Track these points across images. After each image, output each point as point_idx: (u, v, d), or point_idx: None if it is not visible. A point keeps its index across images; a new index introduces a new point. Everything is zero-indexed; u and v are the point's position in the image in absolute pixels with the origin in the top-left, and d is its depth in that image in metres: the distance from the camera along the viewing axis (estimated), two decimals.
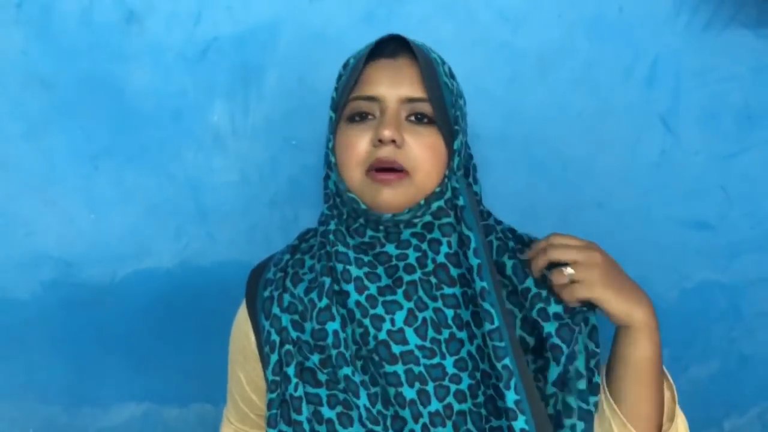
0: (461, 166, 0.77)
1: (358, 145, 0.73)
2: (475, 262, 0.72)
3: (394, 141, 0.71)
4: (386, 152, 0.71)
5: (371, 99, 0.74)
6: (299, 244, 0.85)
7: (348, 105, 0.75)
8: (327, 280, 0.76)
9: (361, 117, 0.74)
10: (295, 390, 0.76)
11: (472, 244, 0.72)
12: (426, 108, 0.73)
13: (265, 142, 1.06)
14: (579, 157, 1.07)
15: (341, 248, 0.76)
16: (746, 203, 1.09)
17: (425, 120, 0.74)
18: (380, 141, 0.71)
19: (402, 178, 0.72)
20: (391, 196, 0.72)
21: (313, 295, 0.77)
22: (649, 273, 1.11)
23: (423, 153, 0.72)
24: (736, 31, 1.03)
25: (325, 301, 0.75)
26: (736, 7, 1.02)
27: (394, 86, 0.73)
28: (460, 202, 0.74)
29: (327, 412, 0.76)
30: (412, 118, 0.74)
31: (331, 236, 0.77)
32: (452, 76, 0.78)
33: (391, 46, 0.76)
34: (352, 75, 0.75)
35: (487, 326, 0.70)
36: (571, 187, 1.08)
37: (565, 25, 1.03)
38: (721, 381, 1.15)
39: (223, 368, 0.90)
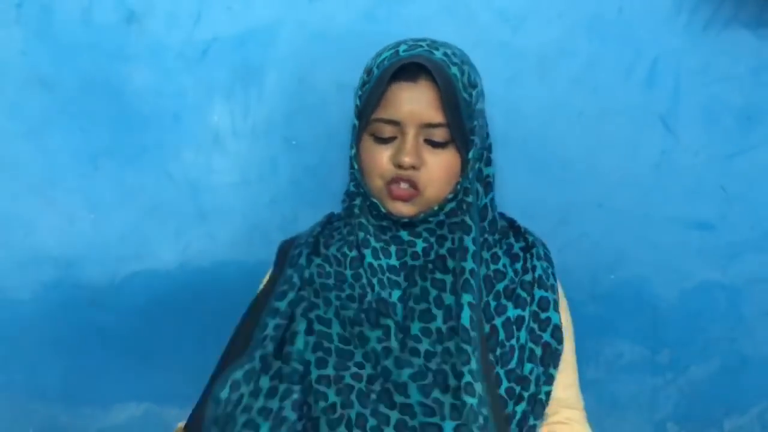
0: (475, 165, 0.83)
1: (380, 161, 0.81)
2: (472, 248, 0.81)
3: (413, 166, 0.79)
4: (405, 174, 0.80)
5: (393, 123, 0.80)
6: (326, 222, 0.93)
7: (371, 124, 0.81)
8: (355, 239, 0.86)
9: (385, 137, 0.81)
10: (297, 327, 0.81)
11: (472, 234, 0.82)
12: (443, 132, 0.79)
13: (265, 142, 1.07)
14: (579, 157, 1.07)
15: (364, 220, 0.85)
16: (746, 203, 1.09)
17: (443, 143, 0.80)
18: (400, 166, 0.79)
19: (414, 196, 0.81)
20: (405, 210, 0.82)
21: (345, 249, 0.86)
22: (649, 273, 1.12)
23: (438, 173, 0.80)
24: (736, 31, 1.03)
25: (355, 252, 0.85)
26: (736, 7, 1.02)
27: (414, 112, 0.79)
28: (469, 198, 0.83)
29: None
30: (431, 140, 0.80)
31: (356, 209, 0.86)
32: (471, 85, 0.81)
33: (412, 65, 0.78)
34: (374, 91, 0.79)
35: (467, 297, 0.79)
36: (571, 187, 1.08)
37: (565, 25, 1.03)
38: (721, 381, 1.15)
39: None
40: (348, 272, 0.85)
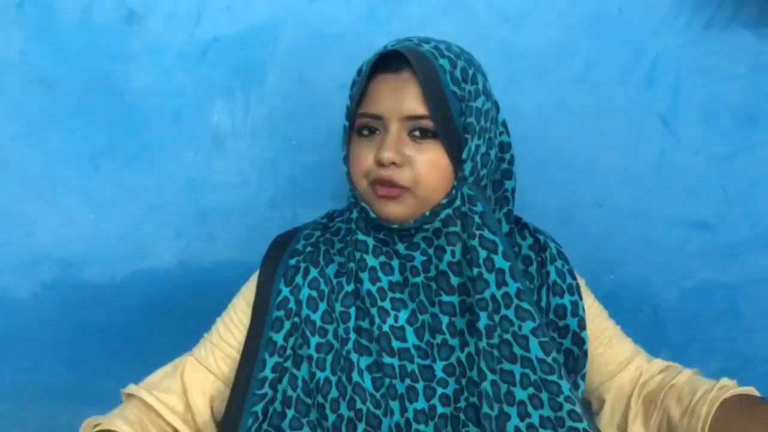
0: (476, 170, 0.77)
1: (363, 160, 0.75)
2: (506, 264, 0.75)
3: (393, 162, 0.73)
4: (386, 173, 0.74)
5: (375, 117, 0.75)
6: (327, 223, 0.87)
7: (357, 120, 0.77)
8: (354, 266, 0.80)
9: (369, 131, 0.76)
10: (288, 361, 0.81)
11: (500, 248, 0.75)
12: (428, 124, 0.74)
13: (265, 142, 1.07)
14: (579, 157, 1.07)
15: (361, 236, 0.79)
16: (746, 203, 1.09)
17: (428, 134, 0.74)
18: (380, 163, 0.73)
19: (402, 194, 0.74)
20: (394, 211, 0.75)
21: (343, 279, 0.80)
22: (649, 273, 1.12)
23: (424, 170, 0.74)
24: (736, 31, 1.03)
25: (351, 286, 0.79)
26: (736, 7, 1.02)
27: (395, 104, 0.74)
28: (478, 208, 0.76)
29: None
30: (416, 133, 0.74)
31: (353, 224, 0.80)
32: (465, 80, 0.75)
33: (397, 57, 0.74)
34: (358, 87, 0.76)
35: (529, 324, 0.74)
36: (571, 187, 1.08)
37: (565, 25, 1.03)
38: None
39: None
40: (338, 307, 0.79)
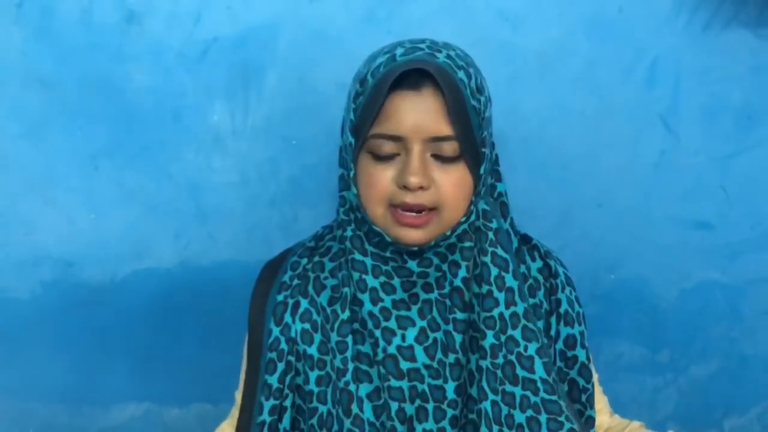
0: (487, 182, 0.75)
1: (382, 183, 0.71)
2: (515, 284, 0.74)
3: (421, 187, 0.69)
4: (413, 197, 0.69)
5: (394, 138, 0.70)
6: (316, 245, 0.82)
7: (370, 140, 0.71)
8: (348, 291, 0.76)
9: (384, 156, 0.71)
10: (286, 400, 0.78)
11: (510, 266, 0.74)
12: (453, 144, 0.70)
13: (265, 142, 1.07)
14: (579, 157, 1.07)
15: (358, 256, 0.75)
16: (746, 203, 1.09)
17: (452, 155, 0.71)
18: (406, 187, 0.69)
19: (429, 219, 0.71)
20: (417, 237, 0.71)
21: (337, 306, 0.76)
22: (649, 273, 1.12)
23: (450, 191, 0.71)
24: (736, 31, 1.03)
25: (347, 313, 0.76)
26: (736, 7, 1.02)
27: (419, 124, 0.69)
28: (494, 224, 0.75)
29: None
30: (439, 154, 0.71)
31: (348, 243, 0.76)
32: (479, 90, 0.72)
33: (413, 71, 0.69)
34: (372, 103, 0.70)
35: (534, 345, 0.74)
36: (571, 187, 1.08)
37: (565, 25, 1.03)
38: (721, 381, 1.15)
39: (223, 368, 0.90)
40: (333, 337, 0.75)
